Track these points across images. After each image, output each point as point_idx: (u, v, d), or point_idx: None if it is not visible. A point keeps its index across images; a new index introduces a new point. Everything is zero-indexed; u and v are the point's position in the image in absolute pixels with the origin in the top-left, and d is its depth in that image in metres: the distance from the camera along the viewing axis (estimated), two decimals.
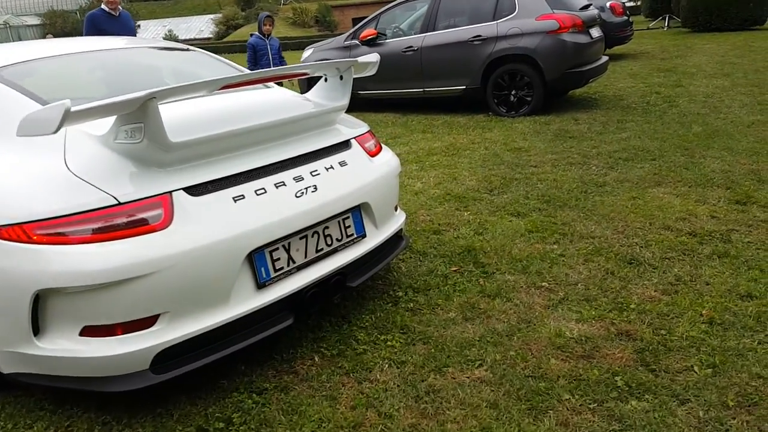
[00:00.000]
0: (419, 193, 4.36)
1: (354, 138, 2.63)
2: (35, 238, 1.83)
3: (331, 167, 2.42)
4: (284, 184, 2.24)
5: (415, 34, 7.33)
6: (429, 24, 7.19)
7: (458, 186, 4.45)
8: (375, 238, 2.61)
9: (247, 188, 2.14)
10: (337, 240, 2.43)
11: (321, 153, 2.44)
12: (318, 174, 2.36)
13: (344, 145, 2.57)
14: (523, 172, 4.65)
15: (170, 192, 1.98)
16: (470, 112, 7.16)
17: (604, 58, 7.32)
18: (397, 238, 2.84)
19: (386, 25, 7.63)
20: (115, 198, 1.89)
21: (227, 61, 3.22)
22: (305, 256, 2.31)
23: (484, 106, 7.05)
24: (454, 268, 3.09)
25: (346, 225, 2.46)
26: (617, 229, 3.43)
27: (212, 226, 2.02)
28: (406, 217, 3.06)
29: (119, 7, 5.88)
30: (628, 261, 3.02)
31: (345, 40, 7.85)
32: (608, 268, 2.96)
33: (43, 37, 35.57)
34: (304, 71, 2.51)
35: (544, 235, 3.40)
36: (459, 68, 6.94)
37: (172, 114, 2.09)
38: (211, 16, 34.44)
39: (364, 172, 2.56)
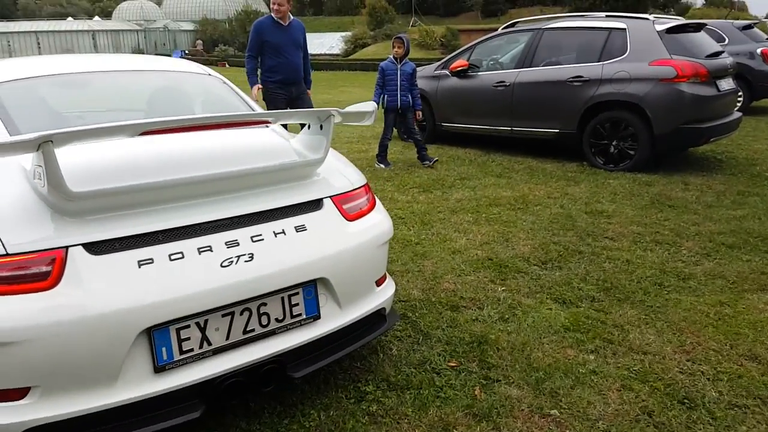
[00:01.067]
0: (457, 252, 3.78)
1: (330, 197, 2.18)
2: None
3: (282, 232, 1.98)
4: (210, 250, 1.83)
5: (509, 68, 6.70)
6: (526, 59, 6.53)
7: (506, 250, 3.80)
8: (335, 320, 2.12)
9: (159, 251, 1.76)
10: (277, 320, 1.98)
11: (273, 214, 2.00)
12: (260, 240, 1.93)
13: (311, 205, 2.12)
14: (592, 245, 3.89)
15: (66, 247, 1.66)
16: (562, 160, 6.39)
17: (736, 115, 6.20)
18: (376, 317, 2.33)
19: (481, 56, 7.08)
20: (2, 245, 1.60)
21: (241, 93, 2.93)
22: (227, 338, 1.88)
23: (578, 154, 6.25)
24: (453, 364, 2.50)
25: (292, 303, 2.01)
26: (683, 346, 2.63)
27: (104, 293, 1.66)
28: (397, 290, 2.53)
29: (289, 15, 5.31)
30: (680, 399, 2.25)
31: (435, 69, 7.41)
32: (648, 405, 2.21)
33: (194, 41, 38.96)
34: (265, 119, 2.11)
35: (583, 338, 2.69)
36: (554, 110, 6.21)
37: (87, 157, 1.79)
38: (342, 34, 35.66)
39: (330, 239, 2.09)
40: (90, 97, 2.66)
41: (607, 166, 5.95)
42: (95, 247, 1.70)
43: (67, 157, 1.75)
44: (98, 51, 40.05)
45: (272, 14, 5.28)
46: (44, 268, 1.63)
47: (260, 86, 5.39)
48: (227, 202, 1.94)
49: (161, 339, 1.76)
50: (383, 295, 2.35)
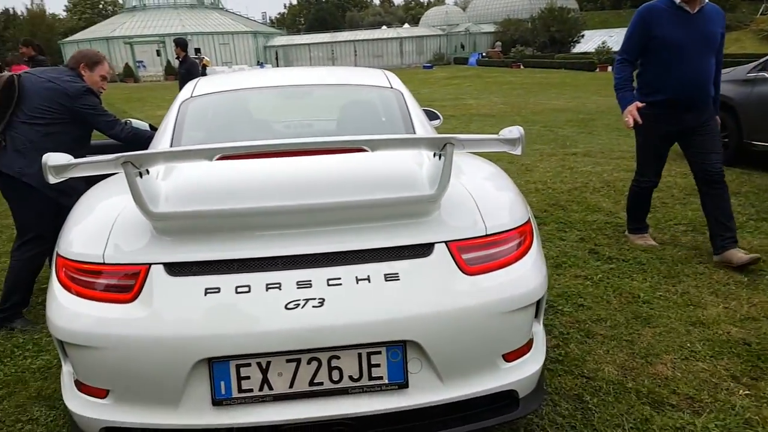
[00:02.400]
0: (699, 324, 2.76)
1: (445, 242, 1.75)
2: None
3: (366, 279, 1.67)
4: (279, 288, 1.65)
5: None
6: None
7: None
8: (430, 393, 1.71)
9: (227, 281, 1.66)
10: (352, 379, 1.68)
11: (361, 255, 1.71)
12: (337, 284, 1.65)
13: (415, 250, 1.73)
14: None
15: (150, 264, 1.71)
16: None
17: None
18: (504, 398, 1.82)
19: None
20: (102, 255, 1.73)
21: (414, 111, 2.65)
22: (290, 386, 1.67)
23: None
24: None
25: (372, 363, 1.67)
26: None
27: (171, 314, 1.65)
28: (544, 367, 1.93)
29: None
30: None
31: (750, 71, 5.77)
32: None
33: (493, 43, 39.38)
34: (361, 146, 1.78)
35: None
36: None
37: (180, 178, 1.82)
38: None
39: (431, 295, 1.67)
40: (281, 110, 2.77)
41: None
42: (173, 268, 1.69)
43: (164, 176, 1.80)
44: (403, 56, 43.75)
45: None
46: (129, 282, 1.69)
47: (639, 104, 3.43)
48: (312, 236, 1.73)
49: (220, 372, 1.66)
50: (515, 375, 1.81)
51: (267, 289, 1.65)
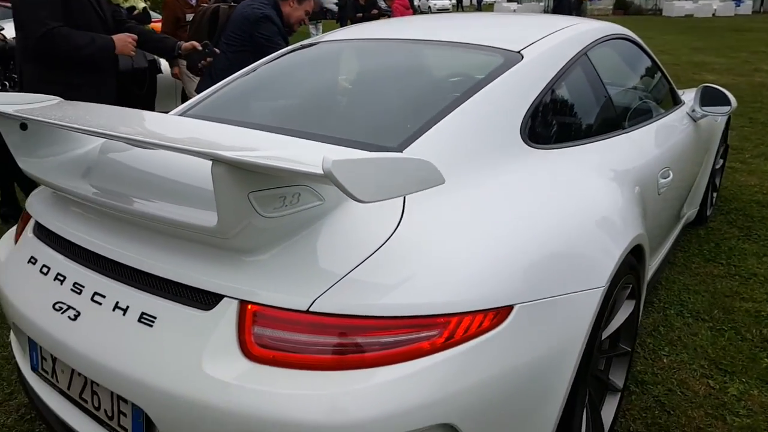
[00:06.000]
0: None
1: (242, 301, 1.18)
2: None
3: (124, 309, 1.31)
4: (60, 282, 1.47)
5: None
6: None
7: None
8: None
9: (46, 255, 1.57)
10: (107, 415, 1.33)
11: (141, 279, 1.31)
12: (99, 304, 1.35)
13: (200, 296, 1.22)
14: None
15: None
16: None
17: None
18: None
19: None
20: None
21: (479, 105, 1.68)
22: (68, 387, 1.44)
23: None
24: None
25: (121, 410, 1.30)
26: None
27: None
28: None
29: None
30: None
31: None
32: None
33: None
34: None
35: None
36: None
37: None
38: None
39: (169, 366, 1.19)
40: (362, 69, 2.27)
41: None
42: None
43: None
44: None
45: None
46: None
47: None
48: (127, 242, 1.36)
49: (33, 343, 1.52)
50: None
51: (55, 278, 1.42)
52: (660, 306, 2.69)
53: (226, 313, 1.16)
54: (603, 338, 1.71)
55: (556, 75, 1.89)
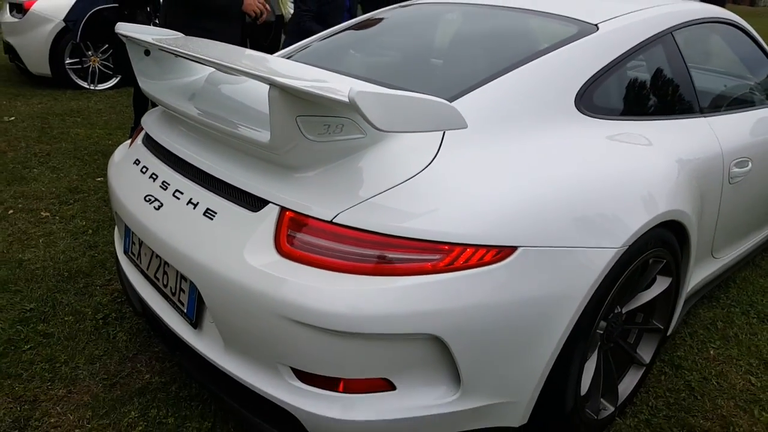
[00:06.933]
0: None
1: (282, 207, 1.41)
2: None
3: (195, 204, 1.60)
4: (153, 179, 1.78)
5: None
6: None
7: None
8: (210, 351, 1.54)
9: (147, 159, 1.90)
10: (171, 291, 1.67)
11: (210, 181, 1.60)
12: (177, 199, 1.66)
13: (248, 199, 1.49)
14: None
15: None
16: None
17: None
18: (285, 421, 1.43)
19: None
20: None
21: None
22: (147, 267, 1.80)
23: None
24: None
25: (181, 287, 1.63)
26: None
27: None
28: None
29: None
30: None
31: None
32: None
33: None
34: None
35: None
36: None
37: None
38: None
39: (218, 249, 1.48)
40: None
41: None
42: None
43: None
44: None
45: None
46: None
47: None
48: (208, 151, 1.65)
49: (127, 230, 1.90)
50: (304, 401, 1.38)
51: (150, 176, 1.75)
52: (726, 303, 2.60)
53: (269, 215, 1.40)
54: (628, 308, 1.77)
55: (628, 51, 1.92)
